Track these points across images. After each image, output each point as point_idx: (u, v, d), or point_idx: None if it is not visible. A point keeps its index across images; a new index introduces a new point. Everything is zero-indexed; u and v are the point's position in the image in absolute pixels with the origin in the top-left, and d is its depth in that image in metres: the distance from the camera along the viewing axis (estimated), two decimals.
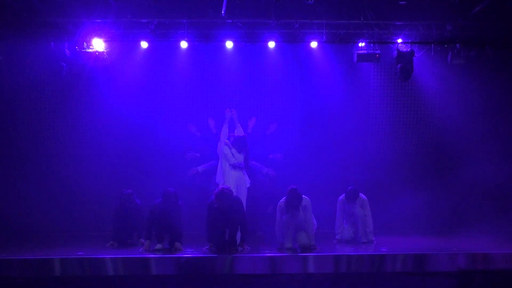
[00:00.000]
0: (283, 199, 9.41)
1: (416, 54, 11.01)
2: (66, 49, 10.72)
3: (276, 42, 11.02)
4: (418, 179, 12.20)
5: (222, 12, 10.17)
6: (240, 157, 9.95)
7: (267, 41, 10.99)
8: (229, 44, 11.05)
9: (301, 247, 9.34)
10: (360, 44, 10.99)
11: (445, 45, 11.07)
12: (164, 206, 9.26)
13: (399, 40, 10.94)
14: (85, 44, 10.70)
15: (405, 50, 10.96)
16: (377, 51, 11.00)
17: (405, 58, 10.97)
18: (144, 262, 8.50)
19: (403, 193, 11.75)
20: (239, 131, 10.80)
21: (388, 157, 12.28)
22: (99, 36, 10.54)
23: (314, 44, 11.07)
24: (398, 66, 11.05)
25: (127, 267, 8.44)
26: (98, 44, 10.63)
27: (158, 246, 9.26)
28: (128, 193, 9.94)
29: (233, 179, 9.89)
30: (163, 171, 11.78)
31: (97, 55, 10.84)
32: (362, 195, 10.24)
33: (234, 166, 9.98)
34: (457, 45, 11.02)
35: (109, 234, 10.00)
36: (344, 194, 10.27)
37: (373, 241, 10.10)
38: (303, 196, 9.36)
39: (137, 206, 10.01)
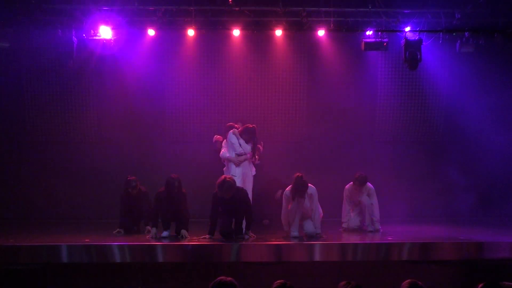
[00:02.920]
0: (289, 188, 9.42)
1: (424, 43, 10.94)
2: (73, 37, 10.72)
3: (283, 30, 10.98)
4: (425, 168, 12.19)
5: (229, 0, 10.14)
6: (247, 148, 9.91)
7: (274, 29, 10.95)
8: (236, 32, 11.02)
9: (307, 236, 9.36)
10: (367, 33, 10.93)
11: (454, 33, 11.00)
12: (168, 194, 9.28)
13: (407, 29, 10.87)
14: (92, 31, 10.69)
15: (413, 38, 10.89)
16: (385, 40, 10.94)
17: (413, 47, 10.89)
18: (151, 249, 8.53)
19: (409, 182, 11.74)
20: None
21: (395, 146, 12.27)
22: (106, 23, 10.52)
23: (321, 32, 11.02)
24: (406, 55, 10.99)
25: (134, 255, 8.47)
26: (105, 32, 10.63)
27: (165, 233, 9.30)
28: (132, 179, 9.96)
29: (239, 168, 9.88)
30: (169, 159, 11.81)
31: (104, 43, 10.85)
32: (369, 184, 10.23)
33: (239, 155, 9.92)
34: (466, 33, 10.94)
35: (116, 221, 10.03)
36: (351, 183, 10.26)
37: (380, 229, 10.11)
38: (309, 185, 9.36)
39: (142, 192, 10.03)
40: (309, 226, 9.44)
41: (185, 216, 9.33)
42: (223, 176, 9.11)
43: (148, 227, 9.59)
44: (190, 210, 9.54)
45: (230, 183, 8.82)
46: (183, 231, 9.19)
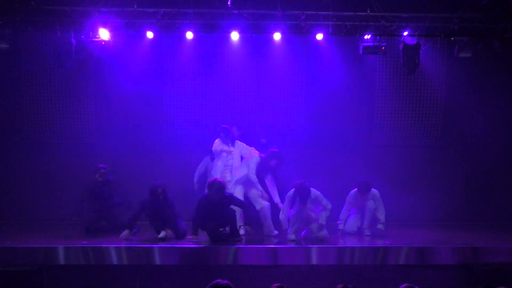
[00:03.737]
0: (292, 190, 9.44)
1: (422, 47, 10.96)
2: (72, 38, 10.72)
3: (282, 33, 10.96)
4: (423, 172, 12.20)
5: (228, 3, 10.14)
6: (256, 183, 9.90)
7: (273, 33, 10.93)
8: (234, 35, 11.01)
9: (317, 239, 9.41)
10: (366, 37, 10.92)
11: (452, 38, 11.01)
12: (154, 201, 9.32)
13: (405, 33, 10.87)
14: (91, 33, 10.68)
15: (411, 42, 10.91)
16: (383, 44, 10.93)
17: (411, 51, 10.92)
18: (148, 252, 8.53)
19: (406, 186, 11.75)
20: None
21: (392, 149, 12.28)
22: (105, 25, 10.52)
23: (320, 36, 11.02)
24: (404, 59, 11.01)
25: (131, 257, 8.48)
26: (104, 34, 10.62)
27: (162, 234, 9.32)
28: (101, 167, 10.02)
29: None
30: (166, 161, 11.81)
31: (103, 45, 10.84)
32: (373, 189, 10.25)
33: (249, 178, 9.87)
34: (464, 38, 10.96)
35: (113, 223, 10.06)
36: (356, 189, 10.26)
37: (383, 230, 10.13)
38: (312, 189, 9.38)
39: (109, 180, 10.06)
40: (316, 230, 9.48)
41: (175, 220, 9.35)
42: (214, 177, 9.22)
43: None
44: (181, 212, 9.56)
45: (221, 184, 8.91)
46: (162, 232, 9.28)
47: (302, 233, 9.74)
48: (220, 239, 9.00)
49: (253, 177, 9.78)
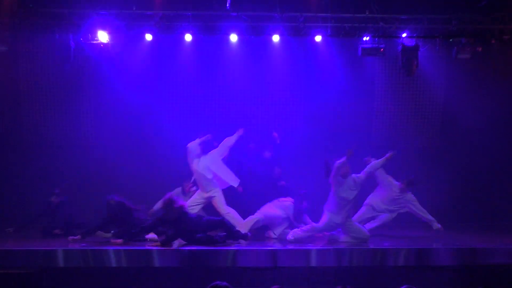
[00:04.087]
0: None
1: (421, 49, 10.99)
2: (71, 41, 10.72)
3: (280, 35, 10.99)
4: (421, 173, 12.17)
5: (227, 5, 10.15)
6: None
7: (272, 35, 10.97)
8: (233, 37, 11.03)
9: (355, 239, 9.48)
10: (364, 38, 10.95)
11: (450, 40, 11.03)
12: (117, 215, 9.47)
13: (404, 35, 10.89)
14: (89, 35, 10.69)
15: (410, 44, 10.93)
16: (381, 45, 10.98)
17: (410, 53, 10.95)
18: (147, 254, 8.52)
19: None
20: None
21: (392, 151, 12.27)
22: (104, 28, 10.52)
23: (318, 38, 11.03)
24: (403, 60, 11.02)
25: (130, 259, 8.47)
26: (102, 36, 10.62)
27: (150, 237, 9.39)
28: (55, 190, 10.55)
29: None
30: (165, 163, 11.81)
31: (102, 47, 10.84)
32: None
33: None
34: (462, 40, 10.97)
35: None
36: (399, 183, 10.38)
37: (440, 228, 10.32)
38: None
39: (63, 202, 10.51)
40: (359, 232, 9.53)
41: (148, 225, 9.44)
42: (169, 195, 9.32)
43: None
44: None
45: (175, 203, 8.99)
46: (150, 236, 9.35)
47: None
48: (216, 243, 9.01)
49: (297, 223, 9.94)
